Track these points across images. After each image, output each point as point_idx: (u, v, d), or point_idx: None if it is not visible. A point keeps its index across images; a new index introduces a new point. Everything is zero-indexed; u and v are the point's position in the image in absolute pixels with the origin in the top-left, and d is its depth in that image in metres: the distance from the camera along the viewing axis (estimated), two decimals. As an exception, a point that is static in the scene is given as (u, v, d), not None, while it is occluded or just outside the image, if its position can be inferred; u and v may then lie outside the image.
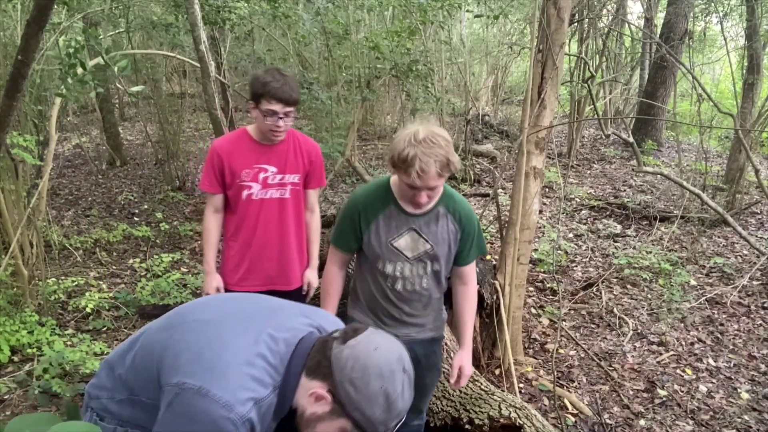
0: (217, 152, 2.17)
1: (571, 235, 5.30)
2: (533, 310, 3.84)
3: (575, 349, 3.42)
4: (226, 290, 2.29)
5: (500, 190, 6.17)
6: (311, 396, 1.10)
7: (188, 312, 1.27)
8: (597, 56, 8.17)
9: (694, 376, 3.18)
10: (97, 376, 1.31)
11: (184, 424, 1.07)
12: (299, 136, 2.30)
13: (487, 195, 6.30)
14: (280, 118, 2.07)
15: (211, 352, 1.11)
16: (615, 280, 4.37)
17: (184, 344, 1.14)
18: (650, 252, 4.65)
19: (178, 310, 1.29)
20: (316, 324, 1.26)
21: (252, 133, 2.22)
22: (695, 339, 3.57)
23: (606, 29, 7.85)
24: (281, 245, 2.28)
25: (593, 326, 3.73)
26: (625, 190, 6.72)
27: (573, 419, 2.77)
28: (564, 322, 3.68)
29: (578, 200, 6.27)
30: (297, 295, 2.35)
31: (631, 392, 3.02)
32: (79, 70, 2.51)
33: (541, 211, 5.63)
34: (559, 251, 4.72)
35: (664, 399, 2.97)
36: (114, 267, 4.37)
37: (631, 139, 5.92)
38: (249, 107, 2.14)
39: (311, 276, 2.41)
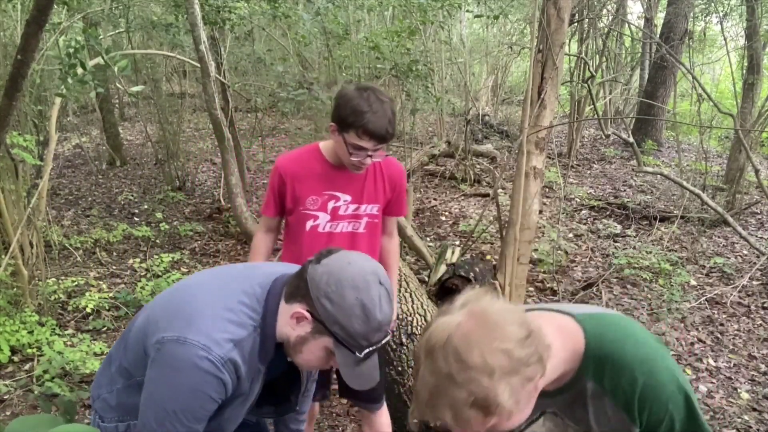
0: (279, 173, 1.82)
1: (571, 235, 5.29)
2: (533, 310, 3.84)
3: (575, 349, 3.42)
4: None
5: (500, 190, 6.17)
6: (292, 318, 1.12)
7: (169, 288, 1.32)
8: (597, 56, 8.17)
9: (694, 376, 3.18)
10: (96, 376, 1.33)
11: (169, 375, 1.09)
12: (383, 159, 1.84)
13: (487, 195, 6.30)
14: (369, 155, 1.67)
15: (187, 305, 1.15)
16: (615, 280, 4.37)
17: (161, 309, 1.19)
18: (650, 252, 4.65)
19: (167, 289, 1.34)
20: (292, 271, 1.27)
21: (325, 151, 1.84)
22: (695, 339, 3.57)
23: (606, 29, 7.85)
24: None
25: (593, 326, 3.73)
26: (625, 190, 6.72)
27: (573, 419, 2.77)
28: (564, 322, 3.68)
29: (578, 200, 6.27)
30: None
31: (631, 392, 3.02)
32: (79, 70, 2.51)
33: (541, 211, 5.63)
34: (559, 251, 4.72)
35: (664, 399, 2.96)
36: (114, 267, 4.37)
37: (631, 139, 5.92)
38: (329, 128, 1.73)
39: None
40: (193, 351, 1.07)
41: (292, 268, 1.29)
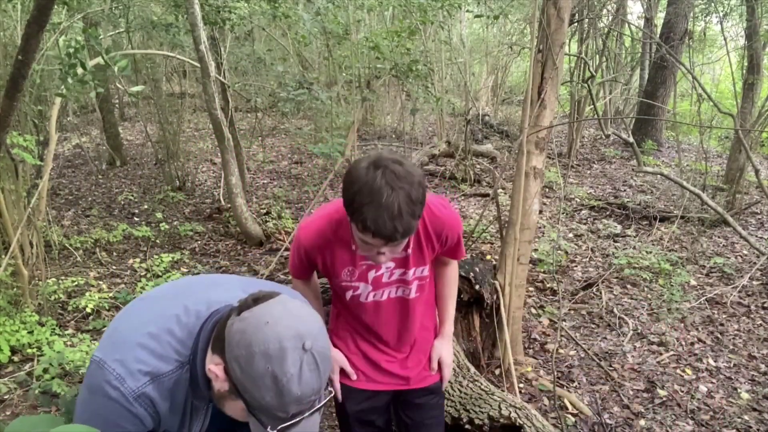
0: (305, 247, 1.54)
1: (571, 235, 5.29)
2: (533, 310, 3.84)
3: (575, 349, 3.42)
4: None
5: (500, 190, 6.17)
6: (210, 373, 1.03)
7: (147, 291, 1.28)
8: (597, 56, 8.17)
9: (694, 376, 3.18)
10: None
11: (85, 395, 1.07)
12: (425, 212, 1.45)
13: (487, 195, 6.30)
14: (381, 253, 1.36)
15: (122, 328, 1.10)
16: (615, 280, 4.37)
17: (112, 323, 1.15)
18: (650, 252, 4.65)
19: (146, 292, 1.32)
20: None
21: None
22: (695, 339, 3.57)
23: (606, 29, 7.85)
24: (405, 350, 1.73)
25: (593, 326, 3.73)
26: (625, 190, 6.72)
27: (573, 419, 2.77)
28: (564, 322, 3.68)
29: (578, 200, 6.27)
30: (431, 392, 1.76)
31: (631, 392, 3.02)
32: (79, 70, 2.51)
33: (541, 211, 5.63)
34: (559, 251, 4.72)
35: (664, 399, 2.97)
36: (114, 267, 4.37)
37: (631, 139, 5.92)
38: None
39: (442, 349, 1.75)
40: (107, 378, 1.02)
41: (257, 287, 1.16)
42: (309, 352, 0.95)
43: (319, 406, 1.02)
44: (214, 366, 1.01)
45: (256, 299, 1.00)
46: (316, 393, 0.98)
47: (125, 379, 1.02)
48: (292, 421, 0.98)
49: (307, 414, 0.99)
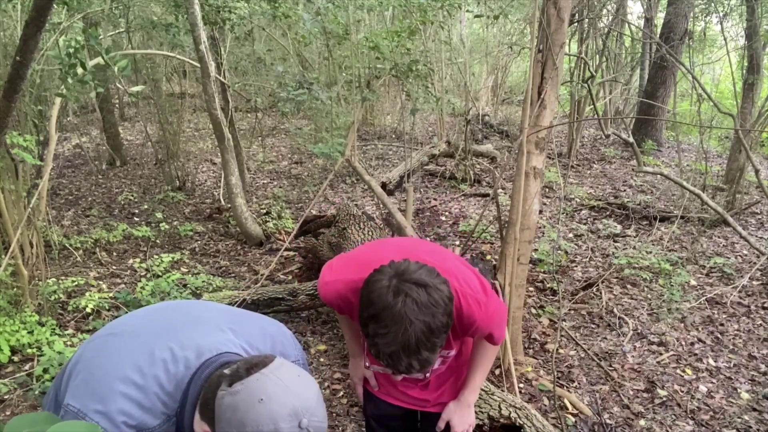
0: (327, 302, 1.49)
1: (571, 235, 5.29)
2: (533, 310, 3.84)
3: (575, 349, 3.42)
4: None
5: (500, 190, 6.17)
6: None
7: (116, 322, 1.17)
8: (597, 56, 8.17)
9: (694, 376, 3.18)
10: (53, 381, 1.23)
11: None
12: (456, 305, 1.35)
13: (487, 195, 6.30)
14: (394, 374, 1.31)
15: (99, 370, 1.01)
16: (615, 280, 4.37)
17: (85, 360, 1.06)
18: (650, 252, 4.65)
19: (111, 323, 1.19)
20: (241, 339, 1.10)
21: None
22: (695, 339, 3.57)
23: (606, 29, 7.85)
24: (431, 400, 1.69)
25: (593, 326, 3.73)
26: (625, 190, 6.72)
27: (573, 419, 2.77)
28: (564, 322, 3.68)
29: (578, 200, 6.27)
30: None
31: (631, 392, 3.02)
32: (79, 70, 2.51)
33: (541, 211, 5.63)
34: (559, 251, 4.72)
35: (664, 399, 2.96)
36: (114, 267, 4.37)
37: (631, 139, 5.92)
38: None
39: (454, 413, 1.64)
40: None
41: (246, 327, 1.13)
42: (305, 430, 0.90)
43: None
44: (201, 430, 0.96)
45: (249, 369, 0.93)
46: None
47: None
48: None
49: None
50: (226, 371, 0.94)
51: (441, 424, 1.64)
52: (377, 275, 1.20)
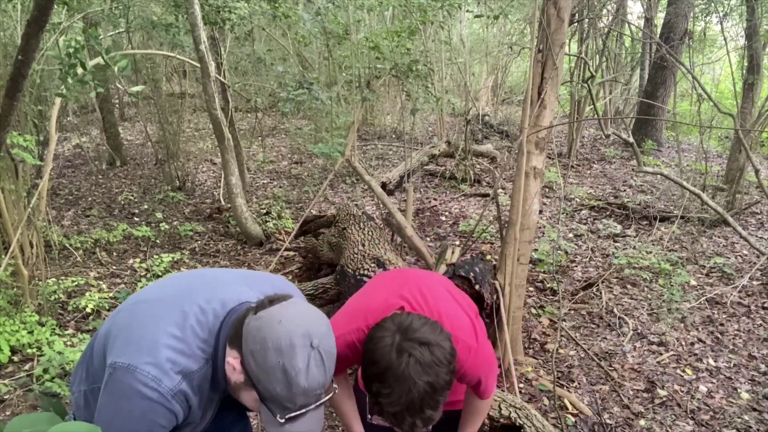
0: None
1: (571, 235, 5.30)
2: (533, 310, 3.84)
3: (575, 349, 3.42)
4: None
5: (500, 190, 6.17)
6: (228, 365, 1.12)
7: (135, 295, 1.29)
8: (597, 56, 8.17)
9: (694, 376, 3.18)
10: (73, 370, 1.34)
11: (118, 402, 1.09)
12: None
13: (487, 195, 6.30)
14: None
15: (141, 330, 1.13)
16: (615, 280, 4.37)
17: (120, 327, 1.17)
18: (650, 252, 4.65)
19: (132, 295, 1.31)
20: (257, 291, 1.23)
21: None
22: (695, 339, 3.57)
23: (606, 29, 7.85)
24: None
25: (593, 326, 3.73)
26: (625, 190, 6.72)
27: (573, 419, 2.77)
28: (564, 322, 3.68)
29: (578, 200, 6.27)
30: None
31: (631, 392, 3.02)
32: (79, 70, 2.51)
33: (541, 211, 5.63)
34: (559, 251, 4.72)
35: (664, 399, 2.97)
36: (114, 267, 4.37)
37: (631, 139, 5.92)
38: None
39: None
40: (143, 381, 1.06)
41: (260, 282, 1.26)
42: (316, 349, 1.05)
43: (324, 399, 1.10)
44: (232, 359, 1.10)
45: (272, 300, 1.10)
46: (321, 387, 1.07)
47: (161, 379, 1.07)
48: (299, 412, 1.07)
49: (313, 406, 1.08)
50: (254, 304, 1.12)
51: None
52: (380, 331, 1.21)
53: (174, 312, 1.15)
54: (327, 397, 1.11)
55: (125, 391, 1.07)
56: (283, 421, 1.06)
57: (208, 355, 1.13)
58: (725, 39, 6.81)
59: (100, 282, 4.00)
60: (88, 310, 3.44)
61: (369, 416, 1.30)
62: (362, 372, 1.23)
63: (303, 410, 1.07)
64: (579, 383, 3.10)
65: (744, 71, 6.67)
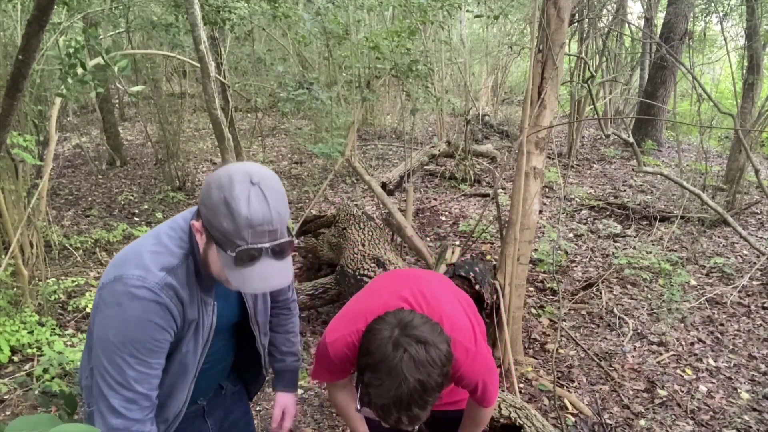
0: (339, 359, 1.42)
1: (571, 235, 5.30)
2: (533, 310, 3.85)
3: (575, 349, 3.42)
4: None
5: (500, 190, 6.17)
6: (194, 228, 1.16)
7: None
8: (597, 56, 8.17)
9: (694, 376, 3.18)
10: (81, 361, 1.35)
11: (111, 312, 1.13)
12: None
13: (487, 195, 6.30)
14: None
15: (124, 257, 1.19)
16: (615, 280, 4.37)
17: (110, 265, 1.22)
18: (650, 252, 4.65)
19: None
20: None
21: None
22: (695, 339, 3.57)
23: (606, 29, 7.85)
24: None
25: (593, 326, 3.73)
26: (625, 190, 6.72)
27: (573, 419, 2.77)
28: (564, 322, 3.69)
29: (578, 200, 6.27)
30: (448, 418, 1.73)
31: (631, 392, 3.02)
32: (79, 70, 2.51)
33: (541, 211, 5.63)
34: (559, 251, 4.72)
35: (664, 399, 2.97)
36: (114, 267, 4.36)
37: (631, 139, 5.92)
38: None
39: None
40: (130, 283, 1.11)
41: None
42: (257, 185, 1.07)
43: (279, 242, 1.09)
44: (195, 221, 1.16)
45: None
46: (267, 222, 1.06)
47: (146, 277, 1.12)
48: (248, 247, 1.06)
49: (266, 243, 1.07)
50: None
51: None
52: (381, 323, 1.23)
53: (149, 239, 1.21)
54: (282, 241, 1.10)
55: (115, 300, 1.12)
56: (234, 255, 1.06)
57: (186, 250, 1.19)
58: (725, 39, 6.81)
59: (100, 282, 4.00)
60: (88, 310, 3.44)
61: (358, 407, 1.31)
62: (357, 361, 1.24)
63: (253, 246, 1.06)
64: (579, 383, 3.10)
65: (744, 71, 6.67)
